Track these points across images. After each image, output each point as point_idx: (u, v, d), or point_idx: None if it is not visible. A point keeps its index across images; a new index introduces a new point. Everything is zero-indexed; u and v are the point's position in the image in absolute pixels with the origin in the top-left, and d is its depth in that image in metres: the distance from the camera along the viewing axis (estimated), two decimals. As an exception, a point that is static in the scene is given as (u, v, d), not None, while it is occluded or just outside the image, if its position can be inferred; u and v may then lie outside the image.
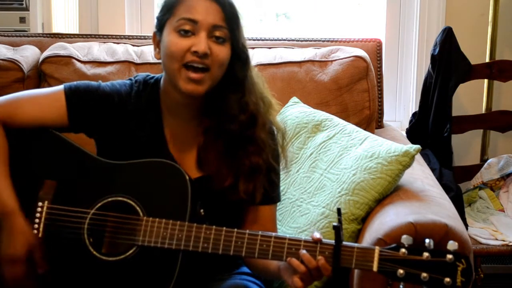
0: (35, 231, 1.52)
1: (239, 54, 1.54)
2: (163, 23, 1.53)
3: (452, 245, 1.30)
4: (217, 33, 1.49)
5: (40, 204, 1.53)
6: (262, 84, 1.63)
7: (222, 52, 1.50)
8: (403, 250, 1.32)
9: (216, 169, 1.57)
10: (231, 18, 1.50)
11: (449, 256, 1.29)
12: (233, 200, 1.56)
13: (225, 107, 1.55)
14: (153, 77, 1.64)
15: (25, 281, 1.49)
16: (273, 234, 1.42)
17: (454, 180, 2.53)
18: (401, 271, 1.31)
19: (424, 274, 1.30)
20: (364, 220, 1.72)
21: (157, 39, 1.57)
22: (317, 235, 1.38)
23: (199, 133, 1.59)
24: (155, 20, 1.57)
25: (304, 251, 1.37)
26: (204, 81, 1.49)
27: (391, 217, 1.57)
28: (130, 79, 1.65)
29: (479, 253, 2.38)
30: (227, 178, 1.55)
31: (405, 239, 1.32)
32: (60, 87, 1.60)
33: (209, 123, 1.58)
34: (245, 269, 1.66)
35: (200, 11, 1.48)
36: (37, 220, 1.52)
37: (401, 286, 1.31)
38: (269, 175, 1.59)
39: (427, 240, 1.32)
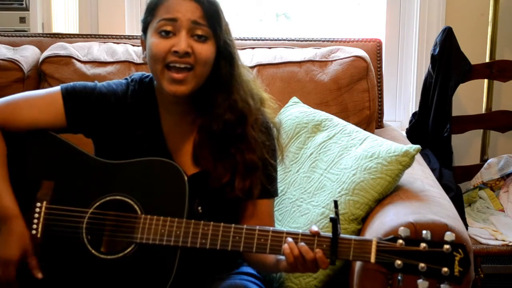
0: (34, 232, 1.52)
1: (223, 52, 1.54)
2: (146, 26, 1.54)
3: (449, 235, 1.31)
4: (198, 31, 1.49)
5: (38, 204, 1.53)
6: (253, 82, 1.63)
7: (205, 50, 1.50)
8: (400, 241, 1.32)
9: (212, 166, 1.57)
10: (211, 15, 1.50)
11: (446, 246, 1.30)
12: (230, 197, 1.56)
13: (212, 106, 1.56)
14: (148, 75, 1.65)
15: (13, 284, 1.49)
16: (271, 228, 1.43)
17: (454, 180, 2.53)
18: (398, 262, 1.31)
19: (422, 265, 1.30)
20: (364, 220, 1.72)
21: (144, 44, 1.58)
22: (314, 228, 1.39)
23: (194, 129, 1.60)
24: (141, 23, 1.58)
25: (302, 243, 1.37)
26: (187, 81, 1.50)
27: (391, 217, 1.57)
28: (126, 79, 1.66)
29: (479, 253, 2.38)
30: (224, 176, 1.56)
31: (403, 231, 1.33)
32: (57, 88, 1.61)
33: (201, 121, 1.58)
34: (244, 269, 1.66)
35: (179, 10, 1.48)
36: (35, 221, 1.52)
37: (399, 278, 1.32)
38: (266, 171, 1.60)
39: (424, 232, 1.32)
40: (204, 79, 1.53)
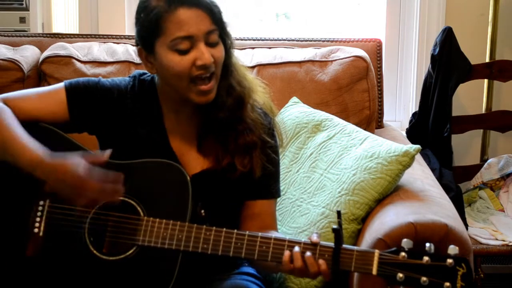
0: (36, 230, 1.52)
1: (226, 46, 1.55)
2: (152, 42, 1.50)
3: (452, 249, 1.30)
4: (211, 39, 1.49)
5: (41, 202, 1.53)
6: (242, 65, 1.64)
7: (220, 52, 1.51)
8: (403, 253, 1.31)
9: (215, 151, 1.58)
10: (218, 18, 1.51)
11: (449, 261, 1.29)
12: (234, 178, 1.57)
13: (215, 95, 1.55)
14: (149, 74, 1.65)
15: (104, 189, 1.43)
16: (273, 236, 1.42)
17: (454, 180, 2.53)
18: (400, 275, 1.30)
19: (424, 278, 1.29)
20: (364, 220, 1.72)
21: (144, 54, 1.55)
22: (314, 237, 1.39)
23: (198, 124, 1.61)
24: (137, 37, 1.54)
25: (309, 254, 1.37)
26: (214, 87, 1.51)
27: (391, 217, 1.57)
28: (129, 76, 1.66)
29: (479, 253, 2.38)
30: (224, 158, 1.57)
31: (405, 242, 1.32)
32: (61, 83, 1.62)
33: (202, 113, 1.59)
34: (245, 269, 1.66)
35: (190, 24, 1.46)
36: (38, 219, 1.52)
37: None
38: (264, 150, 1.60)
39: (427, 244, 1.31)
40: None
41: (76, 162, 1.44)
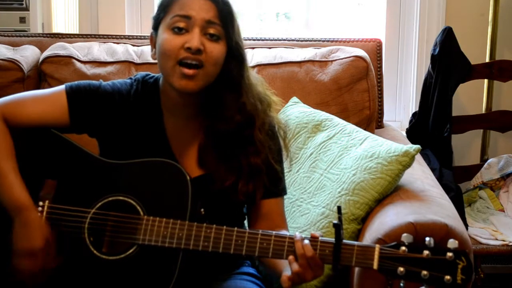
0: None
1: (234, 53, 1.54)
2: (158, 22, 1.54)
3: (452, 243, 1.30)
4: (211, 30, 1.49)
5: (41, 203, 1.53)
6: (261, 84, 1.63)
7: (216, 49, 1.50)
8: (403, 248, 1.32)
9: (216, 169, 1.57)
10: (225, 16, 1.50)
11: (449, 254, 1.29)
12: (234, 200, 1.56)
13: (221, 108, 1.55)
14: (152, 76, 1.65)
15: (41, 273, 1.48)
16: (273, 232, 1.42)
17: (454, 180, 2.53)
18: (401, 269, 1.31)
19: (424, 272, 1.30)
20: (364, 220, 1.72)
21: (154, 40, 1.57)
22: (315, 233, 1.39)
23: (200, 132, 1.60)
24: (152, 20, 1.58)
25: (307, 241, 1.37)
26: (197, 78, 1.49)
27: (391, 217, 1.57)
28: (131, 78, 1.66)
29: (479, 253, 2.38)
30: (227, 179, 1.55)
31: (406, 237, 1.33)
32: (62, 86, 1.61)
33: (207, 123, 1.58)
34: (245, 269, 1.66)
35: (193, 8, 1.48)
36: (37, 220, 1.52)
37: (401, 284, 1.32)
38: (270, 175, 1.59)
39: (427, 238, 1.32)
40: (213, 79, 1.53)
41: (45, 229, 1.49)
